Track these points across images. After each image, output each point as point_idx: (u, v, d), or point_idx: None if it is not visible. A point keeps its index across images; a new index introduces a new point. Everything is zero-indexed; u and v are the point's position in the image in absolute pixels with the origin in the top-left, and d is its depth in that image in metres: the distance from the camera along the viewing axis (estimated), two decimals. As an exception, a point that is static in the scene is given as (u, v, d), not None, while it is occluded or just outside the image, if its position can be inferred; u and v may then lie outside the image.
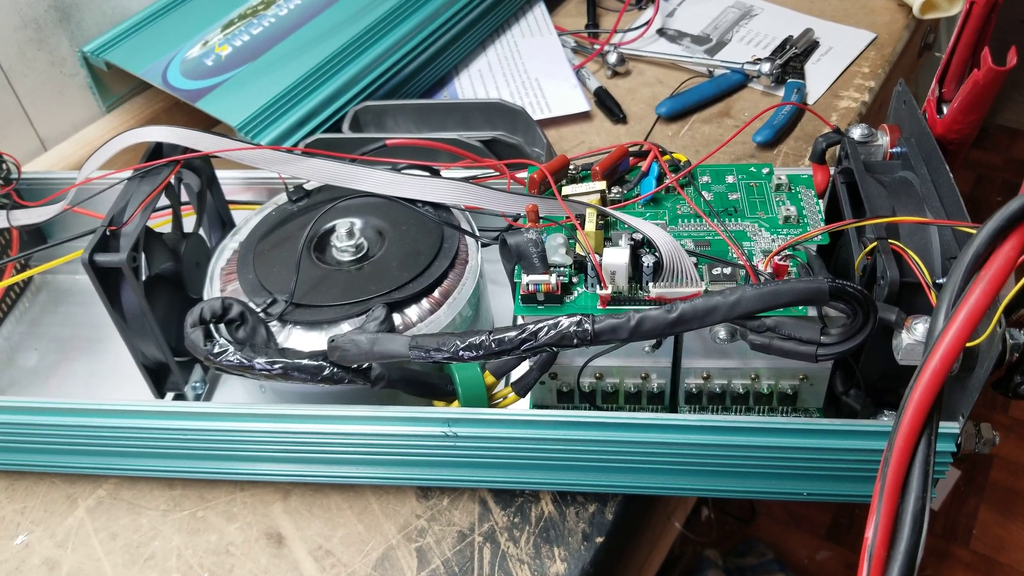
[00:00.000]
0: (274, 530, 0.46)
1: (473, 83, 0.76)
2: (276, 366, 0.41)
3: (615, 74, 0.78)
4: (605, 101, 0.74)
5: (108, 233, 0.45)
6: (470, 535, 0.45)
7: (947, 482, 1.31)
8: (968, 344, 0.38)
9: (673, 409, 0.48)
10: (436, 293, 0.47)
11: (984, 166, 1.81)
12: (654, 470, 0.44)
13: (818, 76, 0.74)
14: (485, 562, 0.44)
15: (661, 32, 0.82)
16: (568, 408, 0.48)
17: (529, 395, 0.47)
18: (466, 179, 0.52)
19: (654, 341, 0.44)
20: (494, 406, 0.45)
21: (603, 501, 0.46)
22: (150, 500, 0.49)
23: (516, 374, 0.46)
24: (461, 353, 0.39)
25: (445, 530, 0.46)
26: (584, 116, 0.74)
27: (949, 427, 0.40)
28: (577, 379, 0.46)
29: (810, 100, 0.72)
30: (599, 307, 0.43)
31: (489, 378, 0.45)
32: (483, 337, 0.39)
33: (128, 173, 0.49)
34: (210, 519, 0.47)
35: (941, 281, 0.41)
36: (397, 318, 0.45)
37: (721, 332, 0.43)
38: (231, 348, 0.42)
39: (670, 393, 0.47)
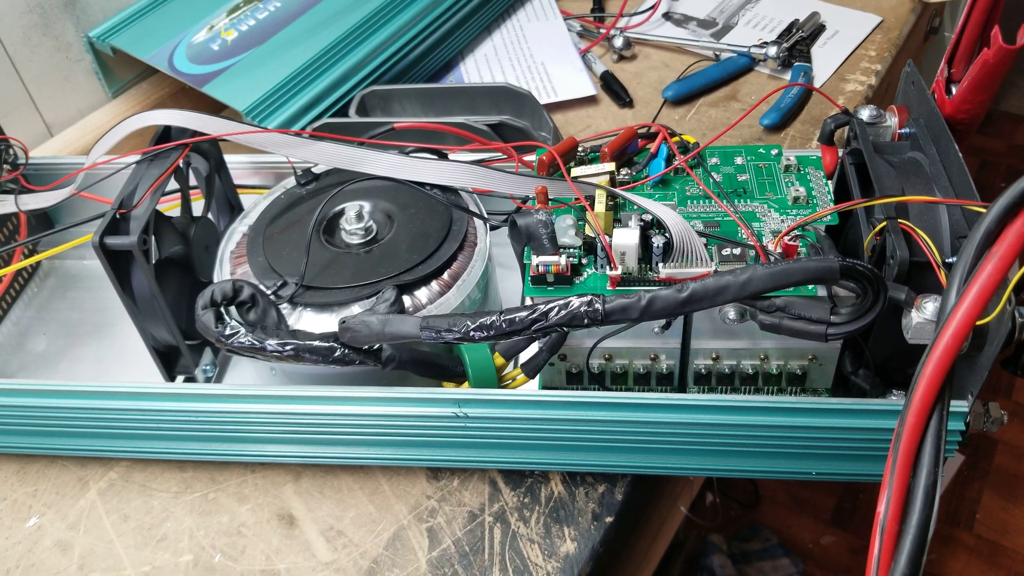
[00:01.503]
0: (285, 511, 0.47)
1: (479, 67, 0.76)
2: (288, 347, 0.41)
3: (621, 58, 0.78)
4: (611, 85, 0.74)
5: (118, 216, 0.45)
6: (480, 515, 0.45)
7: (951, 467, 1.31)
8: (978, 322, 0.39)
9: (682, 390, 0.48)
10: (445, 275, 0.47)
11: (988, 152, 1.81)
12: (663, 450, 0.44)
13: (824, 59, 0.74)
14: (496, 541, 0.44)
15: (667, 16, 0.82)
16: (577, 390, 0.48)
17: (538, 377, 0.47)
18: (474, 162, 0.52)
19: (663, 322, 0.44)
20: (504, 387, 0.45)
21: (612, 481, 0.47)
22: (161, 482, 0.49)
23: (525, 356, 0.46)
24: (472, 333, 0.39)
25: (456, 510, 0.46)
26: (590, 100, 0.74)
27: (958, 405, 0.40)
28: (586, 360, 0.46)
29: (816, 83, 0.72)
30: (609, 288, 0.43)
31: (499, 359, 0.45)
32: (494, 317, 0.39)
33: (137, 157, 0.49)
34: (221, 501, 0.48)
35: (951, 260, 0.42)
36: (407, 300, 0.46)
37: (730, 312, 0.43)
38: (242, 330, 0.42)
39: (679, 374, 0.47)
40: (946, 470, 1.32)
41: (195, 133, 0.50)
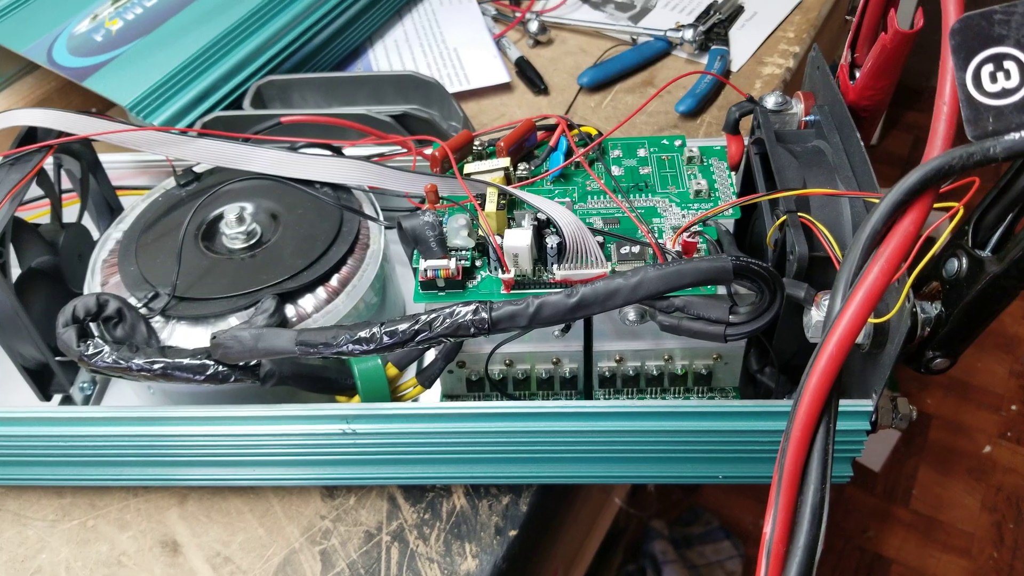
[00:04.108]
0: (169, 537, 0.44)
1: (388, 54, 0.73)
2: (156, 366, 0.38)
3: (537, 43, 0.76)
4: (526, 71, 0.71)
5: (-31, 228, 0.41)
6: (377, 535, 0.43)
7: (887, 443, 1.33)
8: (878, 320, 0.37)
9: (587, 394, 0.46)
10: (333, 281, 0.44)
11: (921, 128, 1.83)
12: (567, 459, 0.42)
13: (742, 42, 0.73)
14: (393, 562, 0.42)
15: (585, -2, 0.80)
16: (479, 397, 0.46)
17: (440, 385, 0.45)
18: (368, 157, 0.49)
19: (563, 325, 0.42)
20: (399, 399, 0.43)
21: (517, 492, 0.44)
22: (37, 510, 0.45)
23: (425, 362, 0.44)
24: (350, 347, 0.37)
25: (351, 531, 0.43)
26: (505, 87, 0.71)
27: (862, 405, 0.39)
28: (485, 367, 0.44)
29: (734, 67, 0.70)
30: (503, 292, 0.41)
31: (392, 370, 0.42)
32: (374, 329, 0.36)
33: (-3, 161, 0.45)
34: (101, 528, 0.44)
35: (853, 254, 0.40)
36: (291, 309, 0.43)
37: (631, 314, 0.41)
38: (107, 348, 0.39)
39: (583, 377, 0.45)
40: (882, 446, 1.33)
41: (62, 133, 0.46)
